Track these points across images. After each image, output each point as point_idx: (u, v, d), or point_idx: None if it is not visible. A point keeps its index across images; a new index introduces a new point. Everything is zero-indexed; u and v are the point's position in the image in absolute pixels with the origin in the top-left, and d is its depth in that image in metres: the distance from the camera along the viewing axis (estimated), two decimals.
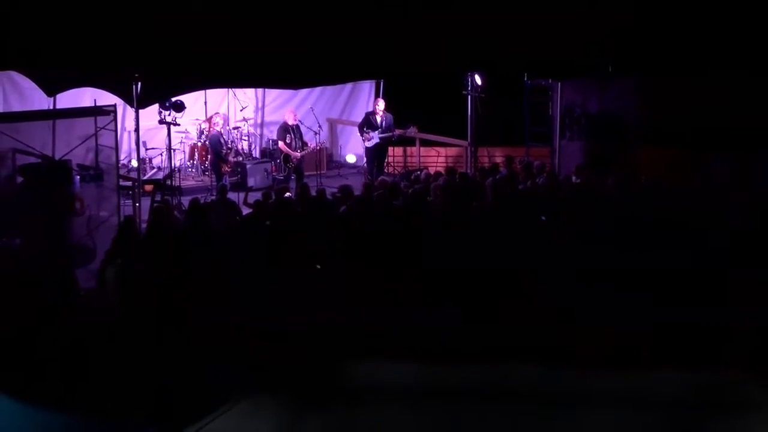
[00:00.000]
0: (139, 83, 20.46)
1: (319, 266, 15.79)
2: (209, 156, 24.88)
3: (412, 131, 25.47)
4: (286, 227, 17.43)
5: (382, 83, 27.65)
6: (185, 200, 20.94)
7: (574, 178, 21.00)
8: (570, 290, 14.45)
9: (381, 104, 25.30)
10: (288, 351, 11.79)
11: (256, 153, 27.09)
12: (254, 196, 20.15)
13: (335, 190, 20.57)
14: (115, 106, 20.67)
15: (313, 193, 19.58)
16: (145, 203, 21.07)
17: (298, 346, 12.13)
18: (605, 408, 7.40)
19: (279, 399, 7.66)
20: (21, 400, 9.01)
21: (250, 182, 23.99)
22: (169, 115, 22.29)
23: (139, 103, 20.80)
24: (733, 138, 21.66)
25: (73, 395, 10.15)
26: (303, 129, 25.29)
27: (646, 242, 16.28)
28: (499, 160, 24.65)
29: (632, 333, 12.68)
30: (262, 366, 10.42)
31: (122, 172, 21.79)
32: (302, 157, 24.68)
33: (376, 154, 25.00)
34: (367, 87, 28.39)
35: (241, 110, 27.28)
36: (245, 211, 19.61)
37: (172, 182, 22.77)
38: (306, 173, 24.88)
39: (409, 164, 26.70)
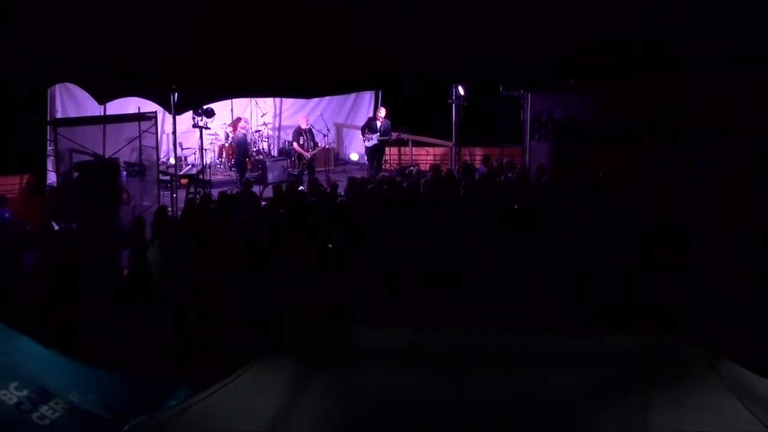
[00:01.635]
0: (176, 93, 20.57)
1: (330, 245, 15.70)
2: (234, 155, 24.83)
3: (405, 134, 25.51)
4: (297, 214, 17.45)
5: (380, 93, 27.61)
6: (215, 192, 20.94)
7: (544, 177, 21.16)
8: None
9: (382, 112, 25.43)
10: (299, 320, 11.77)
11: (275, 152, 27.03)
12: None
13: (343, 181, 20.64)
14: (155, 112, 20.79)
15: (325, 186, 19.75)
16: (181, 194, 21.09)
17: (307, 316, 12.11)
18: (568, 365, 7.37)
19: (292, 360, 7.58)
20: (67, 358, 8.96)
21: (269, 177, 23.89)
22: (201, 120, 22.30)
23: (176, 110, 20.96)
24: (678, 137, 21.71)
25: (114, 357, 10.09)
26: (314, 132, 25.27)
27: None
28: (478, 158, 24.75)
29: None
30: (277, 333, 10.37)
31: (161, 168, 21.79)
32: (313, 155, 24.70)
33: (375, 153, 25.14)
34: (367, 96, 28.37)
35: (261, 116, 27.27)
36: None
37: (203, 177, 22.78)
38: (317, 169, 24.86)
39: (403, 161, 26.63)
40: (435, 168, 22.10)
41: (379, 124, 24.98)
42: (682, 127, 21.79)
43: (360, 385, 7.43)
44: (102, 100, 21.16)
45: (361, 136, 25.68)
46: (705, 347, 7.44)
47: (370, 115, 26.57)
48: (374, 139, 24.90)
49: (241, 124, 25.03)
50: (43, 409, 8.20)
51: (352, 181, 19.85)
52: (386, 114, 25.29)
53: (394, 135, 25.18)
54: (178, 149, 23.02)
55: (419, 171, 22.68)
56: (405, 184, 19.62)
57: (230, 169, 25.57)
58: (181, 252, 15.22)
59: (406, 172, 23.03)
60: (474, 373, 7.45)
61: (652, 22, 21.89)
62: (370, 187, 19.25)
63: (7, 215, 18.24)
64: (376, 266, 14.58)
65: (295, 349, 7.74)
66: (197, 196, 20.32)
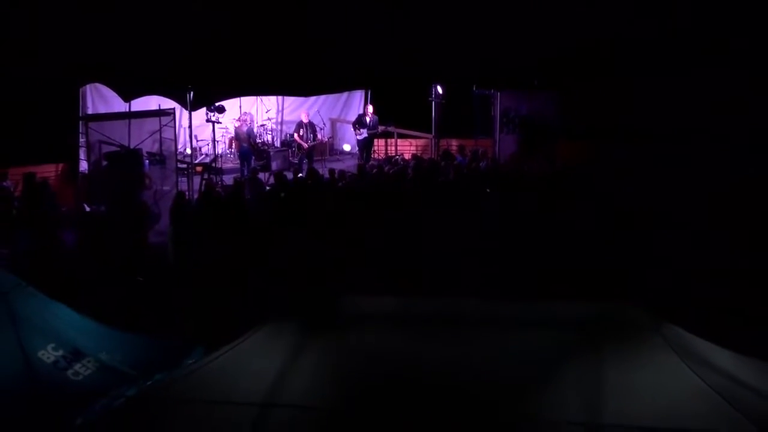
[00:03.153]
0: (192, 92, 20.56)
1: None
2: (240, 145, 24.62)
3: (391, 127, 25.50)
4: (298, 196, 17.54)
5: (369, 92, 27.54)
6: (226, 178, 20.97)
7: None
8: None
9: (370, 108, 25.43)
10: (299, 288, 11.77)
11: (277, 143, 26.89)
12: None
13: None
14: (174, 109, 20.85)
15: (325, 173, 19.97)
16: (196, 180, 21.08)
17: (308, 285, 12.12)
18: (532, 328, 7.41)
19: (293, 325, 7.59)
20: (98, 323, 8.97)
21: (273, 165, 23.79)
22: (213, 115, 22.21)
23: (192, 106, 21.01)
24: (624, 133, 21.85)
25: (137, 321, 10.07)
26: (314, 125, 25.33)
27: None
28: (454, 148, 24.81)
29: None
30: (280, 299, 10.35)
31: (179, 157, 21.75)
32: (311, 146, 24.65)
33: (365, 145, 25.13)
34: (358, 95, 28.24)
35: (266, 112, 27.14)
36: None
37: (215, 165, 22.74)
38: (315, 158, 24.83)
39: (389, 151, 26.60)
40: (416, 157, 22.31)
41: (368, 119, 24.98)
42: (632, 124, 21.90)
43: (352, 346, 7.44)
44: (127, 98, 21.12)
45: (353, 131, 25.68)
46: (651, 312, 7.46)
47: (361, 111, 26.50)
48: (364, 133, 24.92)
49: (241, 117, 24.88)
50: (77, 366, 8.23)
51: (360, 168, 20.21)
52: (373, 110, 25.31)
53: (381, 128, 25.19)
54: (194, 141, 22.94)
55: (404, 159, 22.88)
56: (392, 171, 19.85)
57: (238, 159, 25.47)
58: (197, 229, 15.26)
59: (392, 160, 23.20)
60: (450, 335, 7.47)
61: (606, 34, 21.98)
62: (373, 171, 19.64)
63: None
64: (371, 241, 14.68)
65: (296, 315, 7.74)
66: (211, 180, 20.47)
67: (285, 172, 20.66)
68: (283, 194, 17.74)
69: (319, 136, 25.37)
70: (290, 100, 28.02)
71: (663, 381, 6.86)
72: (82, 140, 20.74)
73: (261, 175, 21.35)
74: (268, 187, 19.70)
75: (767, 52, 21.00)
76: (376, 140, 26.09)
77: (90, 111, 22.72)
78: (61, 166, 21.31)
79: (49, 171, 20.88)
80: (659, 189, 17.51)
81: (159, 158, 20.54)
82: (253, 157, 23.88)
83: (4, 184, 18.86)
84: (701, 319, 8.40)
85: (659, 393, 6.79)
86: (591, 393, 6.85)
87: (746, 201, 16.25)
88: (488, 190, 18.37)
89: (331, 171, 19.88)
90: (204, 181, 20.49)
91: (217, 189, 19.14)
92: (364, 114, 25.37)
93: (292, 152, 25.05)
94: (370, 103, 26.29)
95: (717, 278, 13.00)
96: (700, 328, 7.67)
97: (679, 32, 21.97)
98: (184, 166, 21.69)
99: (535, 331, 7.42)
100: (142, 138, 20.07)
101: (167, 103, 21.51)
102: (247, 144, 23.75)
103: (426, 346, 7.38)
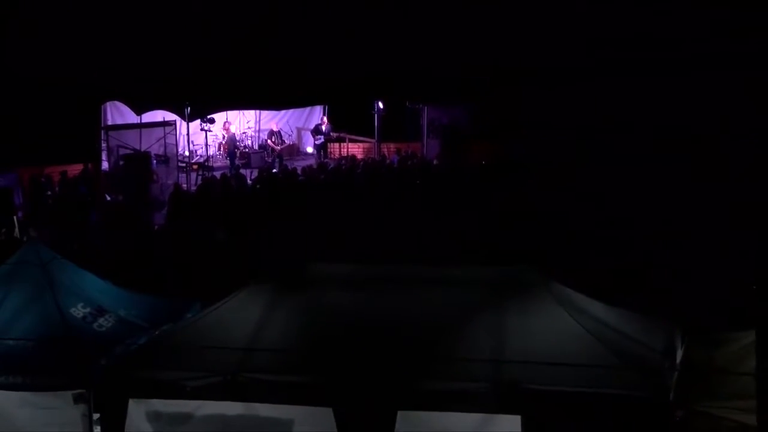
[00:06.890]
0: (189, 107, 20.51)
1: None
2: (228, 149, 24.46)
3: (343, 134, 25.54)
4: (272, 189, 17.55)
5: (326, 107, 27.42)
6: (216, 174, 20.91)
7: (435, 161, 21.63)
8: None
9: (325, 119, 25.51)
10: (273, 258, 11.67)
11: (255, 146, 26.68)
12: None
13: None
14: (175, 120, 20.91)
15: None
16: (192, 176, 21.07)
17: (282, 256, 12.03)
18: (453, 286, 7.45)
19: (270, 286, 7.56)
20: (117, 286, 8.89)
21: (253, 164, 23.72)
22: (206, 125, 22.14)
23: (189, 118, 20.99)
24: (521, 136, 21.99)
25: (145, 284, 9.91)
26: (282, 133, 25.31)
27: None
28: (392, 150, 24.98)
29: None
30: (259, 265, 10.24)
31: (180, 158, 21.76)
32: (282, 149, 24.69)
33: (322, 147, 25.30)
34: (318, 108, 28.05)
35: (247, 122, 26.88)
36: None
37: (208, 164, 22.64)
38: (285, 158, 24.80)
39: (342, 152, 26.56)
40: (353, 157, 22.80)
41: (324, 128, 25.17)
42: (525, 128, 22.07)
43: (315, 302, 7.44)
44: (138, 111, 21.03)
45: (312, 137, 25.83)
46: (542, 273, 7.55)
47: (319, 122, 26.44)
48: (321, 139, 25.19)
49: (232, 127, 24.73)
50: (101, 320, 8.21)
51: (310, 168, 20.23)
52: (327, 121, 25.48)
53: (335, 135, 25.35)
54: (190, 145, 22.79)
55: (353, 159, 23.16)
56: (343, 167, 20.05)
57: (225, 159, 25.26)
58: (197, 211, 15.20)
59: (344, 160, 23.45)
60: (392, 292, 7.51)
61: (500, 58, 22.08)
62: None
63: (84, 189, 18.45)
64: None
65: (272, 279, 7.72)
66: (206, 176, 20.49)
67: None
68: (258, 186, 17.75)
69: (287, 141, 25.42)
70: (266, 113, 27.79)
71: (551, 326, 6.95)
72: (103, 145, 20.61)
73: (244, 171, 21.40)
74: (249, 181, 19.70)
75: (654, 63, 20.84)
76: (332, 144, 26.17)
77: (109, 122, 22.47)
78: (89, 165, 21.14)
79: (77, 169, 20.69)
80: (549, 179, 17.64)
81: (164, 159, 20.70)
82: (237, 158, 23.82)
83: (42, 180, 18.74)
84: (581, 279, 8.45)
85: (548, 335, 6.88)
86: (496, 336, 6.92)
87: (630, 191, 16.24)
88: (418, 182, 18.46)
89: (294, 168, 20.06)
90: (201, 177, 20.56)
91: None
92: (321, 123, 25.50)
93: (267, 154, 24.98)
94: (327, 115, 26.28)
95: (598, 246, 13.12)
96: (580, 285, 7.77)
97: (563, 53, 21.94)
98: (183, 165, 21.69)
99: (456, 288, 7.48)
100: (151, 143, 20.21)
101: (170, 116, 21.48)
102: (233, 148, 23.70)
103: (374, 301, 7.40)
